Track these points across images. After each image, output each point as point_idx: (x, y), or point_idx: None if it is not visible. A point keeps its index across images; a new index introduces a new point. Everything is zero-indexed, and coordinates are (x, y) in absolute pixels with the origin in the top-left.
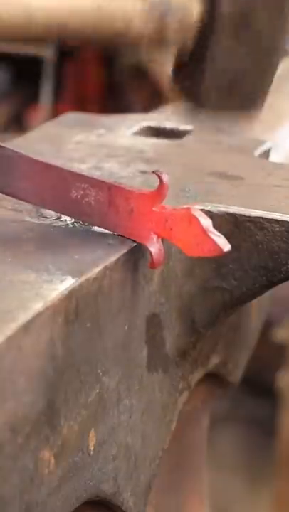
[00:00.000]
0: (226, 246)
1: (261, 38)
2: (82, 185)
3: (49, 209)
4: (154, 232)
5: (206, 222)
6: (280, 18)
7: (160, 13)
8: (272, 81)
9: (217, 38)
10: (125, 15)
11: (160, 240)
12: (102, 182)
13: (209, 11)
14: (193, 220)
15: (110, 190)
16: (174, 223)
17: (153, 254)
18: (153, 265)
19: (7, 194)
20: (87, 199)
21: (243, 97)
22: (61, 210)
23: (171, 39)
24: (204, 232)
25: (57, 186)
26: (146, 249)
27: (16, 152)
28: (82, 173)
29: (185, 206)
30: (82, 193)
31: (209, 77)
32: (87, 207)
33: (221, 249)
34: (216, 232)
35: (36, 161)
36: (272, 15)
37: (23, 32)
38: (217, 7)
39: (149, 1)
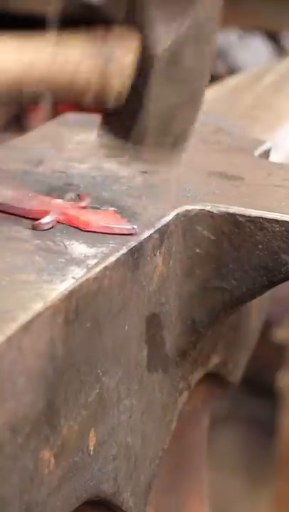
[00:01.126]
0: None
1: (191, 73)
2: None
3: None
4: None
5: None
6: (207, 50)
7: (105, 59)
8: (200, 109)
9: (151, 81)
10: (76, 65)
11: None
12: None
13: (143, 55)
14: None
15: None
16: None
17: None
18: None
19: None
20: None
21: (177, 132)
22: None
23: (114, 88)
24: None
25: None
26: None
27: None
28: None
29: None
30: None
31: (144, 119)
32: None
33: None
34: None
35: None
36: (200, 49)
37: None
38: (151, 49)
39: (95, 46)
